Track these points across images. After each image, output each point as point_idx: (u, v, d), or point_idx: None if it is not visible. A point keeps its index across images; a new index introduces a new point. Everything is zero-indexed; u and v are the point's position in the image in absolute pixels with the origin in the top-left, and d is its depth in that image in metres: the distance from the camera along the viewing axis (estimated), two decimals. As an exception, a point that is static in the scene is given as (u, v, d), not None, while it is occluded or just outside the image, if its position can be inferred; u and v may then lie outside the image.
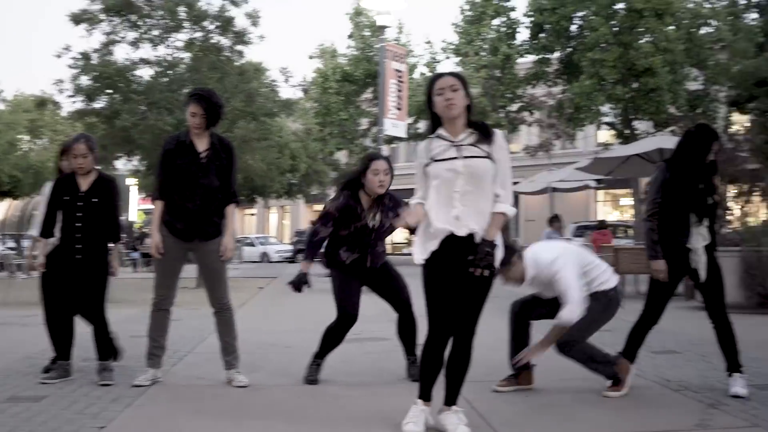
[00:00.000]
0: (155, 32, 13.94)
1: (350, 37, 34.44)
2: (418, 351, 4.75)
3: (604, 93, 25.65)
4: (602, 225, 19.22)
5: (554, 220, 18.62)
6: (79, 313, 5.87)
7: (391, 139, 22.14)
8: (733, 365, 5.31)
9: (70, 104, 14.64)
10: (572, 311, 5.16)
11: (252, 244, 40.32)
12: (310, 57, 34.66)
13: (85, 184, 5.84)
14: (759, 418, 4.60)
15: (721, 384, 5.47)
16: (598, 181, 25.39)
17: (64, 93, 14.64)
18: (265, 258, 38.93)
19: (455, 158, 4.16)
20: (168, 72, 13.59)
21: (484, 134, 4.24)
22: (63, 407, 4.89)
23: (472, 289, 4.19)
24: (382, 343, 7.46)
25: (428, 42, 31.38)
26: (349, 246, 5.76)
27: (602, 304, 5.35)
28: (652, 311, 5.51)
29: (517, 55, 29.33)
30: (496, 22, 29.83)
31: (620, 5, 26.23)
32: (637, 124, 28.14)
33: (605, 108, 27.44)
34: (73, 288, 5.77)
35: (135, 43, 13.89)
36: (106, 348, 5.83)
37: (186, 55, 14.53)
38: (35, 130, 38.11)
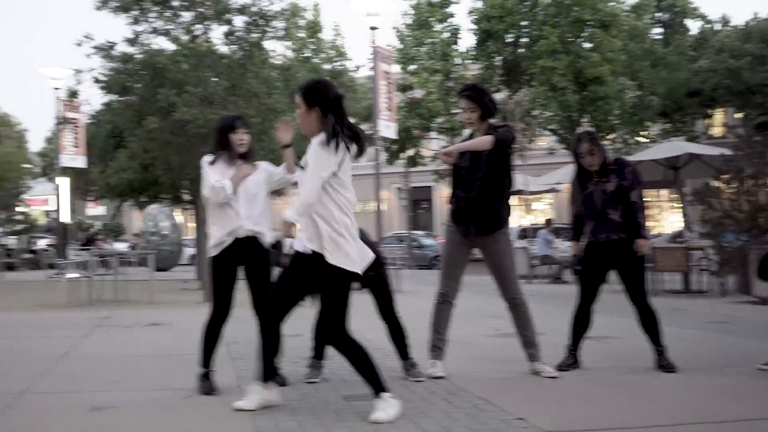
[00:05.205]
0: (186, 20, 13.49)
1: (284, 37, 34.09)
2: None
3: (556, 100, 26.58)
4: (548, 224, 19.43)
5: (549, 223, 19.32)
6: None
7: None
8: None
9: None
10: None
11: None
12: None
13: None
14: None
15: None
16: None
17: (84, 84, 14.16)
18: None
19: None
20: (208, 65, 13.16)
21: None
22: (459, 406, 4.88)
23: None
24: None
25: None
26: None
27: None
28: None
29: (467, 61, 29.97)
30: (438, 27, 30.31)
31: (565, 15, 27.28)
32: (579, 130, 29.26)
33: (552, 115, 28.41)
34: None
35: (169, 33, 13.37)
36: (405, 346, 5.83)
37: (224, 49, 14.16)
38: None
